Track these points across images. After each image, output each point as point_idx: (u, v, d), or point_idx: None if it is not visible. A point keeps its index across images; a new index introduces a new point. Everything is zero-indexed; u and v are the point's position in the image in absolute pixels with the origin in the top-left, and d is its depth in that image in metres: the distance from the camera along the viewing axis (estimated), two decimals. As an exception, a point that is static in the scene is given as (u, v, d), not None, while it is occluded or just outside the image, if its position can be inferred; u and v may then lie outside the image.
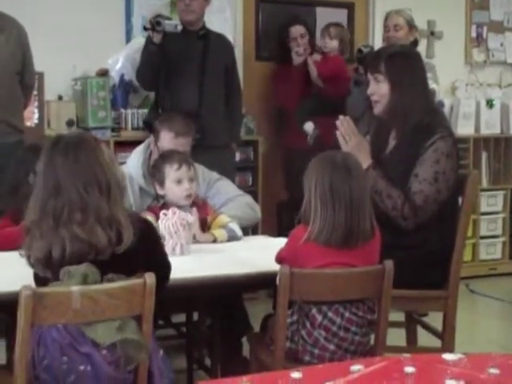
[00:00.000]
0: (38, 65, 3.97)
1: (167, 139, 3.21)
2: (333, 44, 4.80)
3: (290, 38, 4.83)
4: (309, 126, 4.69)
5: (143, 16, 4.53)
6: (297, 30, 4.83)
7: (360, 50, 4.43)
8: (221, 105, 4.31)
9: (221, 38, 4.43)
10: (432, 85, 3.93)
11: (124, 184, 2.16)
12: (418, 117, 2.88)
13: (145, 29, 4.13)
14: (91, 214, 2.01)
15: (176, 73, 4.17)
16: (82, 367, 1.97)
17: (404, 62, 2.97)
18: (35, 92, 4.15)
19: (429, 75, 3.38)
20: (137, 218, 2.13)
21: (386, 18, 4.68)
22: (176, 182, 2.96)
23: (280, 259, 2.38)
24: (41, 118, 4.29)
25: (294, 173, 4.75)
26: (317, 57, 4.79)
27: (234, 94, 4.42)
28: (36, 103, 4.25)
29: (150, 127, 4.31)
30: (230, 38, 4.98)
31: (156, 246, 2.19)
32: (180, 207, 2.88)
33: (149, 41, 4.13)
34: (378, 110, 2.98)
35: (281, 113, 5.10)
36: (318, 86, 4.75)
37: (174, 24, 4.07)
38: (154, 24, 4.02)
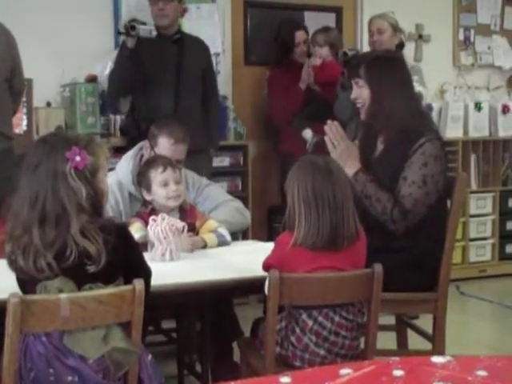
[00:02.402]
0: (27, 71, 3.95)
1: (166, 145, 3.20)
2: (323, 51, 4.75)
3: (296, 42, 4.81)
4: (307, 134, 4.66)
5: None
6: (301, 36, 4.83)
7: (345, 53, 4.43)
8: (197, 109, 4.29)
9: (196, 42, 4.41)
10: (418, 87, 3.94)
11: (99, 198, 2.10)
12: (403, 120, 2.88)
13: (119, 33, 4.09)
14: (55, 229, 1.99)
15: (151, 78, 4.15)
16: (69, 378, 1.96)
17: (384, 67, 2.97)
18: (24, 98, 4.13)
19: (415, 78, 3.39)
20: (112, 226, 2.07)
21: (370, 22, 4.70)
22: (162, 185, 2.96)
23: (267, 267, 2.37)
24: (29, 124, 4.28)
25: None
26: (317, 60, 4.72)
27: (210, 98, 4.40)
28: (24, 110, 4.24)
29: (126, 134, 4.30)
30: (219, 42, 5.00)
31: (133, 252, 2.14)
32: (169, 212, 2.88)
33: (123, 45, 4.11)
34: (362, 115, 3.00)
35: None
36: (315, 91, 4.74)
37: (148, 29, 4.05)
38: (129, 28, 4.01)
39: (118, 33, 4.11)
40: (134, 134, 4.18)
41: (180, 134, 3.25)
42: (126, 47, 4.09)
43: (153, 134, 3.27)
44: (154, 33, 4.06)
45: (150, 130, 3.31)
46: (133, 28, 4.00)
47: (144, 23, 4.11)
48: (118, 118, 4.49)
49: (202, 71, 4.34)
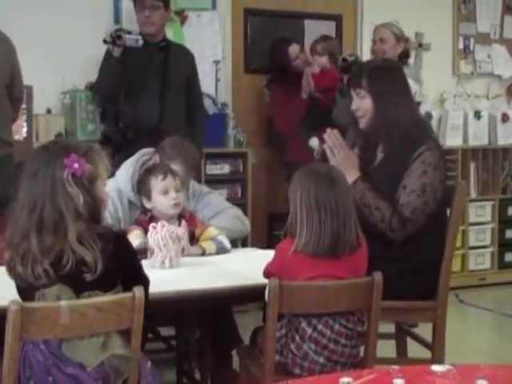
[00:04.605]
0: (27, 78, 3.96)
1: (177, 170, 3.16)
2: (323, 60, 4.77)
3: (292, 57, 4.82)
4: (314, 142, 4.67)
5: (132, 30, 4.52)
6: (295, 49, 4.84)
7: (344, 59, 4.45)
8: (182, 117, 4.30)
9: (181, 49, 4.43)
10: (413, 85, 3.93)
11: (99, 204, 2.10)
12: (404, 129, 2.89)
13: (105, 42, 4.09)
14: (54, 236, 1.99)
15: (137, 86, 4.16)
16: None
17: (385, 76, 2.99)
18: (24, 105, 4.14)
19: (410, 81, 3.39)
20: (110, 234, 2.06)
21: (374, 31, 4.73)
22: (163, 193, 2.96)
23: (268, 274, 2.37)
24: (29, 131, 4.28)
25: None
26: (315, 68, 4.75)
27: (195, 106, 4.41)
28: (25, 117, 4.24)
29: (108, 140, 4.30)
30: (219, 50, 5.01)
31: (131, 261, 2.14)
32: (168, 220, 2.88)
33: (108, 54, 4.12)
34: (362, 125, 3.00)
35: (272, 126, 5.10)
36: (317, 98, 4.74)
37: (134, 38, 4.07)
38: (115, 38, 4.02)
39: (103, 42, 4.10)
40: (118, 141, 4.18)
41: (192, 163, 3.20)
42: (111, 56, 4.10)
43: (164, 155, 3.20)
44: (141, 42, 4.08)
45: (163, 145, 3.26)
46: (119, 37, 4.01)
47: (130, 32, 4.13)
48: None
49: (187, 79, 4.35)
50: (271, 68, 5.00)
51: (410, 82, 3.31)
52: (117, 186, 3.22)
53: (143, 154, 3.33)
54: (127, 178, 3.24)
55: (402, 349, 3.29)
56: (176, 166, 3.15)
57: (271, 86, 4.99)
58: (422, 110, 4.81)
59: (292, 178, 2.41)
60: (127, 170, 3.29)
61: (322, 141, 4.60)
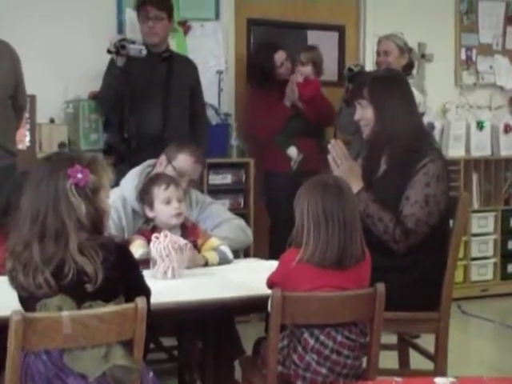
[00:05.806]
0: (30, 88, 3.97)
1: (188, 162, 3.20)
2: (307, 70, 4.78)
3: (278, 64, 4.80)
4: (292, 151, 4.67)
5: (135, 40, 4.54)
6: (281, 56, 4.82)
7: (350, 69, 4.45)
8: (185, 127, 4.31)
9: (184, 60, 4.46)
10: (418, 96, 3.93)
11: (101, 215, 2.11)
12: (407, 140, 2.90)
13: (109, 52, 4.11)
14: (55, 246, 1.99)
15: (140, 96, 4.17)
16: None
17: (386, 86, 3.00)
18: (27, 115, 4.15)
19: (415, 91, 3.40)
20: (111, 245, 2.07)
21: (378, 43, 4.74)
22: (165, 203, 2.97)
23: (271, 284, 2.37)
24: (32, 140, 4.28)
25: (277, 197, 4.73)
26: (299, 77, 4.75)
27: (198, 116, 4.43)
28: (28, 126, 4.24)
29: (112, 150, 4.30)
30: (222, 60, 5.02)
31: (132, 272, 2.14)
32: (170, 230, 2.88)
33: (112, 64, 4.14)
34: (365, 135, 3.02)
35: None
36: (297, 107, 4.74)
37: (138, 48, 4.08)
38: (119, 48, 4.03)
39: (107, 52, 4.12)
40: (121, 151, 4.19)
41: (200, 155, 3.27)
42: (114, 66, 4.11)
43: (172, 150, 3.26)
44: (144, 52, 4.09)
45: (169, 146, 3.30)
46: (123, 47, 4.03)
47: (133, 42, 4.14)
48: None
49: (190, 89, 4.37)
50: (253, 71, 4.95)
51: (415, 92, 3.32)
52: (122, 194, 3.22)
53: (148, 165, 3.34)
54: (132, 187, 3.24)
55: (404, 360, 3.28)
56: (182, 156, 3.19)
57: (251, 88, 4.96)
58: (425, 120, 4.81)
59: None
60: (132, 179, 3.29)
61: (299, 150, 4.64)
